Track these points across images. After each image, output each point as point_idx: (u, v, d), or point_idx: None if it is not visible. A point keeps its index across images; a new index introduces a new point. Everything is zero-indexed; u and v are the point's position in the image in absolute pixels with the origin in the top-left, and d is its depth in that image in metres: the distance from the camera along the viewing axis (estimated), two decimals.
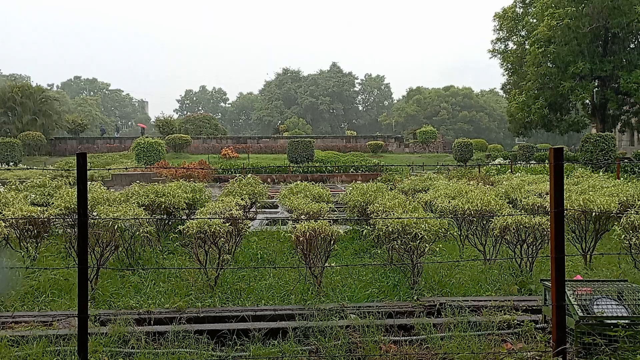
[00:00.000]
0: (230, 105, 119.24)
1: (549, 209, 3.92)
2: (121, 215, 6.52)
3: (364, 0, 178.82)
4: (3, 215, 7.02)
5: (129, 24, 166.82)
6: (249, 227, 8.41)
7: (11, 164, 32.93)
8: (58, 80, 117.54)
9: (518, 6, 32.59)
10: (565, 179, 13.58)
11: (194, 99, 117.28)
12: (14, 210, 7.11)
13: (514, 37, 33.08)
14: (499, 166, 26.53)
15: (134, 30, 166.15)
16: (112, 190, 10.39)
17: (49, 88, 75.47)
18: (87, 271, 3.59)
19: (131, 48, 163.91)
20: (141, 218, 6.75)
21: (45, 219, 7.09)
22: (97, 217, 6.22)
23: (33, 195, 9.53)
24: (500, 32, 33.46)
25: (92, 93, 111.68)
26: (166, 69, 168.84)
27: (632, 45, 28.86)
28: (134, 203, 8.07)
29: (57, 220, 8.08)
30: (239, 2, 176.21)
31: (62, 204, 7.94)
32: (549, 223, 3.91)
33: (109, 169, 22.45)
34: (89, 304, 3.94)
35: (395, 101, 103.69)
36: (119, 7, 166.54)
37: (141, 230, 6.82)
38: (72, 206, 7.88)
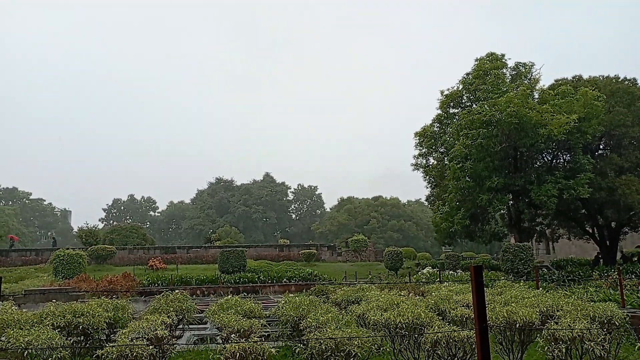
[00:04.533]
0: (160, 214, 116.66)
1: None
2: (32, 339, 6.00)
3: (294, 113, 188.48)
4: None
5: (52, 129, 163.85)
6: (175, 347, 7.94)
7: None
8: None
9: (435, 126, 35.59)
10: (489, 288, 14.11)
11: (122, 208, 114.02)
12: None
13: (434, 153, 35.68)
14: (428, 275, 27.16)
15: (57, 136, 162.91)
16: (24, 310, 9.56)
17: None
18: None
19: (55, 156, 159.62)
20: (55, 346, 6.21)
21: None
22: (7, 343, 5.67)
23: None
24: (421, 148, 36.03)
25: (10, 202, 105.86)
26: (93, 178, 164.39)
27: (538, 163, 31.94)
28: (48, 325, 7.46)
29: None
30: (170, 111, 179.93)
31: None
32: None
33: (25, 292, 20.68)
34: None
35: (328, 210, 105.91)
36: (41, 111, 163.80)
37: (54, 357, 6.25)
38: None
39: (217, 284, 27.00)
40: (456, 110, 34.70)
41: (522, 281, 18.33)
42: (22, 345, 5.72)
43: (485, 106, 29.01)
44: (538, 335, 6.94)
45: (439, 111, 35.47)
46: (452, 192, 30.72)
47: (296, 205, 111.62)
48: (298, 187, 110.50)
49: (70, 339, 7.22)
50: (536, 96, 31.28)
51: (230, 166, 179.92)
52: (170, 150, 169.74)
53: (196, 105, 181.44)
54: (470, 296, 11.07)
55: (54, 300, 9.70)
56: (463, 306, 9.91)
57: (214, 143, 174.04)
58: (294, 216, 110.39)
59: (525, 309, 7.65)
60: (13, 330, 6.63)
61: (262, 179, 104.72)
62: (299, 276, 29.21)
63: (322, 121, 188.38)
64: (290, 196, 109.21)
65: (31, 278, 28.92)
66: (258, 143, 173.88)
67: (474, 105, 32.20)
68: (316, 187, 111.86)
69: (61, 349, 6.37)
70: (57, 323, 7.76)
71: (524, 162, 31.14)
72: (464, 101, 34.68)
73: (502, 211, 32.43)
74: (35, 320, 8.04)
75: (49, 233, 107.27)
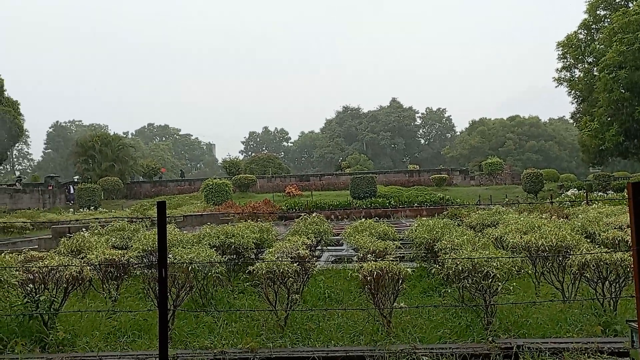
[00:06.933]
0: (292, 144, 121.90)
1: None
2: (194, 256, 6.79)
3: (418, 35, 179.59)
4: (88, 259, 7.50)
5: (196, 73, 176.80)
6: (316, 266, 8.48)
7: (92, 207, 35.15)
8: (133, 127, 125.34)
9: (581, 33, 31.63)
10: None
11: (258, 139, 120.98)
12: (97, 254, 7.61)
13: (580, 64, 31.99)
14: (573, 197, 25.27)
15: (202, 78, 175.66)
16: (184, 231, 10.86)
17: (124, 136, 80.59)
18: (167, 315, 3.78)
19: (200, 94, 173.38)
20: (213, 261, 7.01)
21: (126, 262, 7.50)
22: (173, 259, 6.52)
23: (113, 239, 10.13)
24: (565, 60, 32.47)
25: (164, 138, 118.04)
26: (231, 113, 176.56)
27: None
28: (205, 244, 8.40)
29: (135, 262, 8.52)
30: (296, 45, 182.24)
31: (140, 247, 8.39)
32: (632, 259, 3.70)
33: (184, 217, 23.30)
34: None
35: (458, 133, 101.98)
36: (185, 59, 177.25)
37: (213, 271, 7.05)
38: (150, 248, 8.30)
39: (350, 208, 27.96)
40: (608, 12, 30.39)
41: None
42: (187, 260, 6.53)
43: None
44: None
45: (586, 16, 31.37)
46: (602, 106, 27.60)
47: (424, 130, 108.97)
48: (426, 111, 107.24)
49: (225, 257, 8.08)
50: None
51: (355, 93, 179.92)
52: (298, 81, 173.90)
53: (318, 34, 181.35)
54: (624, 218, 10.13)
55: (208, 223, 10.84)
56: (615, 228, 9.14)
57: (339, 71, 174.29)
58: (422, 141, 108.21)
59: None
60: (178, 248, 7.60)
61: (388, 104, 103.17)
62: (430, 201, 29.07)
63: (451, 41, 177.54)
64: (418, 121, 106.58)
65: (187, 205, 32.52)
66: (384, 68, 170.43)
67: (631, 5, 27.87)
68: (445, 109, 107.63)
69: (219, 264, 7.17)
70: (212, 243, 8.73)
71: None
72: (617, 0, 30.15)
73: None
74: (194, 240, 9.12)
75: (198, 164, 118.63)
